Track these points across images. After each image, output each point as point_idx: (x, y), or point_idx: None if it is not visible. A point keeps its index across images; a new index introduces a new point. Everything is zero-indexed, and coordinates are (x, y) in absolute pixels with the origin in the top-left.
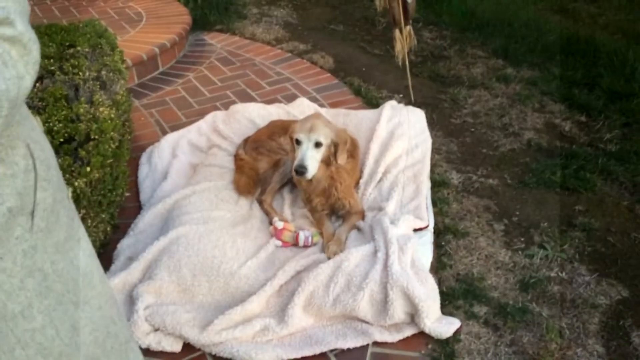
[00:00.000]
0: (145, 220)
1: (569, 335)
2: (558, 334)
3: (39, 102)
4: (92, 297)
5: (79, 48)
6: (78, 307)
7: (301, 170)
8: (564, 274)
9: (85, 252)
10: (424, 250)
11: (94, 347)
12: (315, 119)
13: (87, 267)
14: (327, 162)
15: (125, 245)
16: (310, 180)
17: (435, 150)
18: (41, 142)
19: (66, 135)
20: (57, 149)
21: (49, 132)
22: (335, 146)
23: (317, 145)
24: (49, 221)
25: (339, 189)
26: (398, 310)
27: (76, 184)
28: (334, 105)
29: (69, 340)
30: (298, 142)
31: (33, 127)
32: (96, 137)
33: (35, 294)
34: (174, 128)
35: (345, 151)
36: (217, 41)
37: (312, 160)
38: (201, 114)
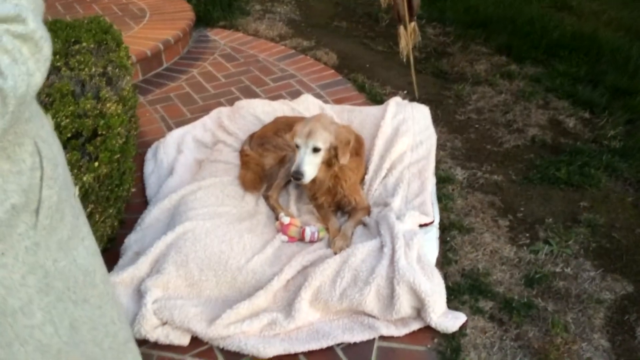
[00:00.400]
0: (152, 216)
1: (575, 330)
2: (563, 328)
3: (46, 97)
4: (92, 295)
5: (84, 44)
6: (78, 305)
7: (297, 176)
8: (569, 269)
9: (88, 250)
10: (429, 245)
11: (92, 345)
12: (316, 122)
13: (90, 266)
14: (329, 163)
15: (132, 240)
16: (314, 181)
17: (439, 147)
18: (49, 140)
19: (73, 130)
20: (65, 144)
21: (56, 127)
22: (335, 149)
23: (315, 150)
24: (53, 219)
25: (345, 187)
26: (404, 305)
27: (85, 179)
28: (338, 101)
29: (68, 338)
30: (297, 146)
31: (42, 125)
32: (103, 132)
33: (36, 290)
34: (179, 124)
35: (348, 151)
36: (220, 37)
37: (309, 166)
38: (206, 110)
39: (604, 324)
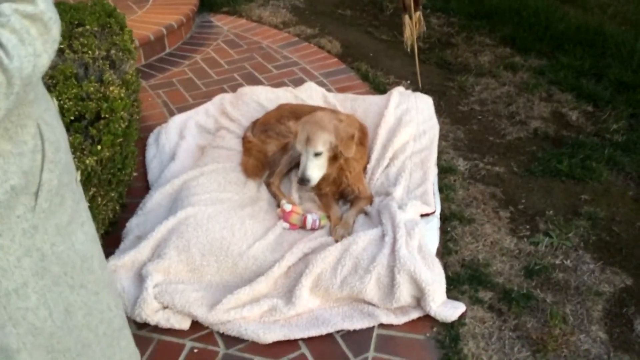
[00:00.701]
0: (154, 200)
1: (573, 322)
2: (562, 320)
3: (49, 79)
4: (89, 281)
5: (88, 27)
6: (74, 290)
7: (304, 182)
8: (568, 261)
9: (87, 236)
10: (430, 235)
11: (86, 331)
12: (313, 124)
13: (88, 252)
14: (334, 156)
15: (134, 224)
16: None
17: (442, 137)
18: (53, 123)
19: (77, 113)
20: (68, 127)
21: (59, 109)
22: (338, 145)
23: (317, 154)
24: (52, 203)
25: (349, 177)
26: (404, 294)
27: (87, 162)
28: (341, 90)
29: (62, 322)
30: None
31: (47, 108)
32: (107, 115)
33: (32, 273)
34: (181, 109)
35: (352, 145)
36: (223, 23)
37: (313, 170)
38: (208, 96)
39: (602, 316)
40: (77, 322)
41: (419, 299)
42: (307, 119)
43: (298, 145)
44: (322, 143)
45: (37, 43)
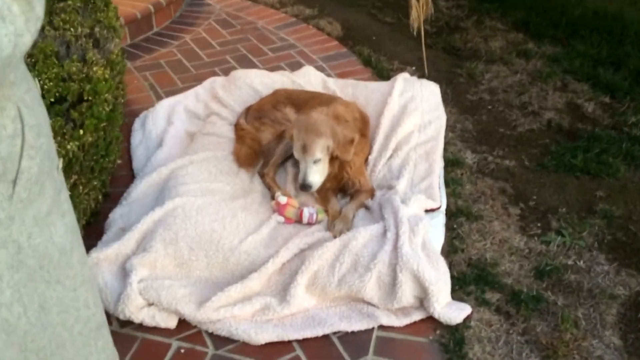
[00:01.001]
0: (139, 190)
1: (585, 326)
2: (573, 324)
3: (28, 58)
4: (67, 277)
5: (70, 2)
6: (50, 286)
7: (306, 189)
8: (581, 262)
9: (68, 228)
10: (435, 232)
11: (61, 329)
12: (309, 131)
13: (67, 245)
14: (334, 156)
15: (117, 215)
16: None
17: (449, 128)
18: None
19: (57, 95)
20: (48, 109)
21: None
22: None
23: (316, 161)
24: (31, 191)
25: (350, 172)
26: (407, 294)
27: (68, 147)
28: (341, 75)
29: (36, 319)
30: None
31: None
32: (89, 98)
33: (7, 266)
34: (170, 93)
35: (351, 149)
36: (216, 1)
37: (314, 176)
38: (198, 80)
39: (617, 321)
40: (51, 320)
41: (422, 300)
42: (302, 123)
43: (295, 153)
44: (320, 150)
45: (18, 21)
